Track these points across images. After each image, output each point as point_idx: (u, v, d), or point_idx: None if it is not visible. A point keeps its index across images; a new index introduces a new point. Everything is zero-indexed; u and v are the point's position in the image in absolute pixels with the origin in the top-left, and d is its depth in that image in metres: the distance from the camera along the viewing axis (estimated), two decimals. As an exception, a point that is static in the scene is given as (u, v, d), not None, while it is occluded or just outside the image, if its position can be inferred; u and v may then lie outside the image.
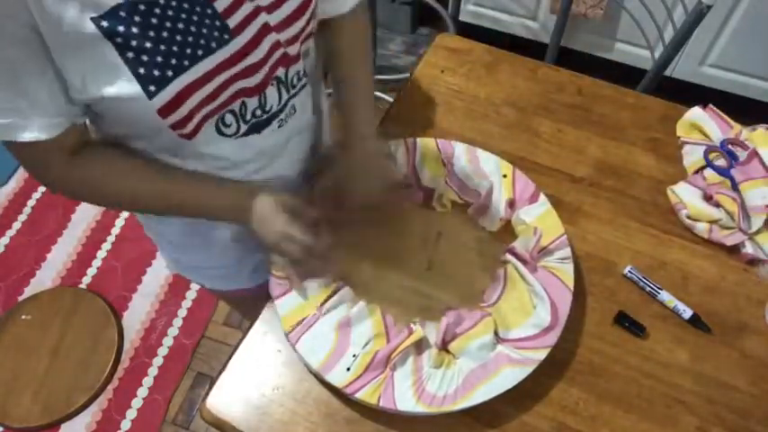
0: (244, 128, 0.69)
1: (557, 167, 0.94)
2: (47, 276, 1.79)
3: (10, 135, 0.58)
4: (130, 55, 0.55)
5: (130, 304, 1.74)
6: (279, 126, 0.73)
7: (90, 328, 1.68)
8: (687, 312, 0.79)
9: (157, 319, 1.72)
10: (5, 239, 1.87)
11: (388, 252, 0.83)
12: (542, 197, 0.85)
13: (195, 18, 0.58)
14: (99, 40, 0.54)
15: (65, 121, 0.61)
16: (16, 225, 1.90)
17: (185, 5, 0.58)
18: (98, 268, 1.81)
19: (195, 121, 0.63)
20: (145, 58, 0.56)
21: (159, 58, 0.57)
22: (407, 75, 1.09)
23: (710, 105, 0.98)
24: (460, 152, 0.89)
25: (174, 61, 0.58)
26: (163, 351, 1.67)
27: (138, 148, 0.69)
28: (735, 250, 0.86)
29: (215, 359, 1.66)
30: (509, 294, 0.77)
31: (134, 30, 0.55)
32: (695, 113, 0.98)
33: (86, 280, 1.78)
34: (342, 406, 0.73)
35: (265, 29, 0.64)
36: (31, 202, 1.95)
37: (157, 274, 1.79)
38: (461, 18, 2.03)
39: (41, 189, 1.97)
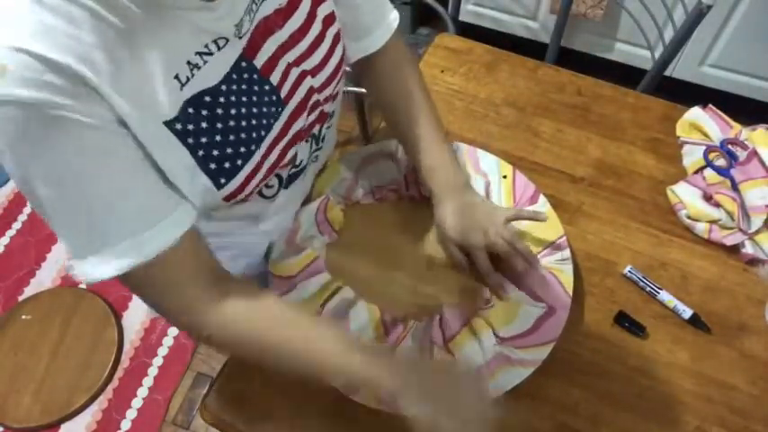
0: (281, 186, 0.70)
1: (557, 167, 0.94)
2: (47, 276, 1.79)
3: (141, 252, 0.51)
4: (201, 153, 0.54)
5: (130, 304, 1.74)
6: (302, 179, 0.73)
7: (90, 328, 1.68)
8: (687, 312, 0.79)
9: (157, 319, 1.72)
10: (5, 239, 1.87)
11: (388, 252, 0.83)
12: (542, 198, 0.85)
13: (255, 98, 0.57)
14: (173, 144, 0.52)
15: (189, 210, 0.55)
16: (16, 225, 1.90)
17: (244, 87, 0.56)
18: (98, 268, 1.81)
19: (246, 192, 0.61)
20: (215, 153, 0.54)
21: (229, 150, 0.55)
22: (407, 75, 1.09)
23: (710, 105, 0.98)
24: (460, 152, 0.89)
25: (242, 150, 0.56)
26: (163, 351, 1.67)
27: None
28: (735, 250, 0.86)
29: (215, 359, 1.65)
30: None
31: (203, 125, 0.53)
32: (695, 113, 0.98)
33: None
34: (342, 406, 0.73)
35: (311, 92, 0.64)
36: (31, 202, 1.95)
37: (157, 274, 1.79)
38: (461, 18, 2.03)
39: (41, 189, 1.97)
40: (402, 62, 0.79)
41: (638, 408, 0.73)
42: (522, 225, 0.82)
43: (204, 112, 0.53)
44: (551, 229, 0.82)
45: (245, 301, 0.60)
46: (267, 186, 0.67)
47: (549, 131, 0.98)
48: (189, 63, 0.51)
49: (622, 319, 0.79)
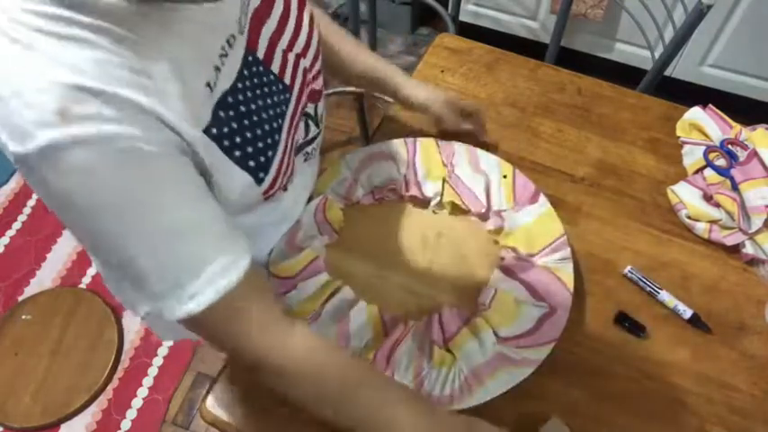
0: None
1: (557, 167, 0.94)
2: (47, 276, 1.79)
3: (215, 285, 0.50)
4: (238, 153, 0.54)
5: (130, 304, 1.74)
6: (305, 160, 0.73)
7: (90, 328, 1.67)
8: (687, 312, 0.79)
9: (157, 319, 1.72)
10: (5, 239, 1.87)
11: (388, 252, 0.83)
12: (542, 198, 0.85)
13: (266, 89, 0.58)
14: (213, 149, 0.52)
15: (245, 245, 0.54)
16: (16, 225, 1.90)
17: (255, 81, 0.57)
18: (98, 268, 1.81)
19: (278, 185, 0.62)
20: (250, 149, 0.55)
21: (260, 144, 0.56)
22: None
23: (710, 105, 0.98)
24: (461, 152, 0.89)
25: (269, 141, 0.57)
26: (163, 351, 1.66)
27: None
28: (735, 250, 0.86)
29: (215, 359, 1.65)
30: (503, 295, 0.77)
31: (234, 125, 0.54)
32: (695, 113, 0.98)
33: (86, 280, 1.78)
34: (342, 406, 0.73)
35: (305, 73, 0.65)
36: (30, 202, 1.94)
37: (157, 274, 1.79)
38: (461, 18, 2.03)
39: (41, 189, 1.97)
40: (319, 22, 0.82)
41: (638, 408, 0.73)
42: (523, 224, 0.82)
43: (231, 113, 0.53)
44: (551, 229, 0.82)
45: (314, 336, 0.58)
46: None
47: (549, 131, 0.98)
48: (216, 68, 0.51)
49: (622, 319, 0.79)
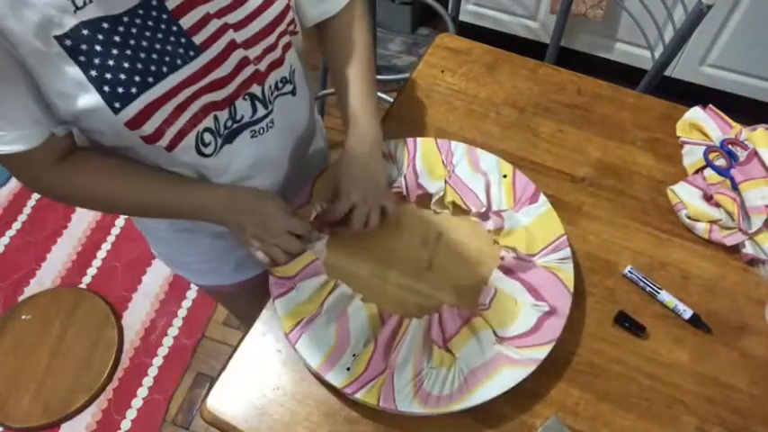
0: (220, 141, 0.70)
1: (557, 167, 0.94)
2: (47, 276, 1.79)
3: None
4: (94, 73, 0.56)
5: (130, 304, 1.74)
6: (252, 136, 0.73)
7: (90, 328, 1.68)
8: (687, 312, 0.79)
9: (157, 319, 1.72)
10: (5, 239, 1.87)
11: (388, 252, 0.83)
12: (542, 197, 0.85)
13: (160, 36, 0.59)
14: (64, 58, 0.55)
15: (42, 132, 0.61)
16: (16, 225, 1.90)
17: (150, 23, 0.58)
18: (98, 268, 1.81)
19: (169, 135, 0.64)
20: (108, 75, 0.57)
21: (123, 76, 0.57)
22: (407, 75, 1.09)
23: (710, 105, 0.98)
24: (460, 152, 0.89)
25: (137, 78, 0.58)
26: (163, 351, 1.67)
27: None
28: (735, 250, 0.86)
29: (215, 359, 1.66)
30: (503, 295, 0.77)
31: (97, 48, 0.56)
32: (695, 113, 0.98)
33: (86, 280, 1.78)
34: (342, 406, 0.73)
35: (231, 45, 0.65)
36: (30, 202, 1.95)
37: (157, 275, 1.79)
38: (461, 18, 2.04)
39: (41, 189, 1.97)
40: (354, 19, 0.82)
41: (638, 408, 0.74)
42: (523, 224, 0.82)
43: (100, 37, 0.56)
44: (551, 229, 0.82)
45: (73, 163, 0.68)
46: (203, 144, 0.68)
47: (549, 131, 0.98)
48: None
49: (622, 319, 0.79)
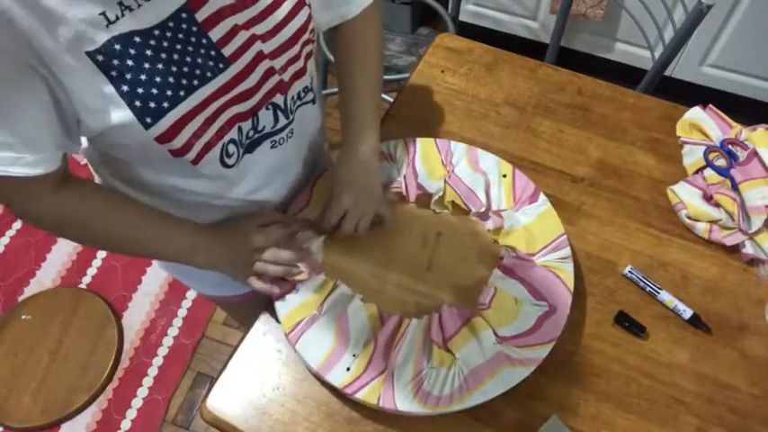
0: (242, 152, 0.70)
1: (557, 167, 0.94)
2: (47, 276, 1.79)
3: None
4: (125, 88, 0.56)
5: (130, 304, 1.74)
6: (272, 147, 0.73)
7: (90, 328, 1.68)
8: (687, 312, 0.79)
9: (157, 319, 1.72)
10: (5, 239, 1.87)
11: (387, 252, 0.83)
12: (542, 197, 0.85)
13: (190, 48, 0.59)
14: (96, 74, 0.54)
15: (60, 154, 0.60)
16: (16, 225, 1.90)
17: (180, 36, 0.58)
18: (98, 268, 1.81)
19: (197, 147, 0.63)
20: (140, 90, 0.56)
21: (154, 90, 0.57)
22: (407, 75, 1.09)
23: (710, 105, 0.98)
24: (460, 152, 0.89)
25: (169, 93, 0.58)
26: (163, 351, 1.67)
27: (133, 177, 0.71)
28: (735, 250, 0.86)
29: (215, 359, 1.66)
30: (503, 294, 0.77)
31: (129, 62, 0.55)
32: (695, 113, 0.98)
33: (86, 280, 1.78)
34: (342, 406, 0.73)
35: (259, 56, 0.64)
36: (31, 202, 1.95)
37: (157, 274, 1.79)
38: (461, 18, 2.04)
39: (41, 189, 1.97)
40: (367, 24, 0.81)
41: (638, 408, 0.74)
42: (523, 224, 0.82)
43: (132, 51, 0.55)
44: (551, 228, 0.82)
45: (75, 190, 0.66)
46: (227, 155, 0.68)
47: (549, 131, 0.98)
48: (121, 4, 0.54)
49: (622, 319, 0.79)
